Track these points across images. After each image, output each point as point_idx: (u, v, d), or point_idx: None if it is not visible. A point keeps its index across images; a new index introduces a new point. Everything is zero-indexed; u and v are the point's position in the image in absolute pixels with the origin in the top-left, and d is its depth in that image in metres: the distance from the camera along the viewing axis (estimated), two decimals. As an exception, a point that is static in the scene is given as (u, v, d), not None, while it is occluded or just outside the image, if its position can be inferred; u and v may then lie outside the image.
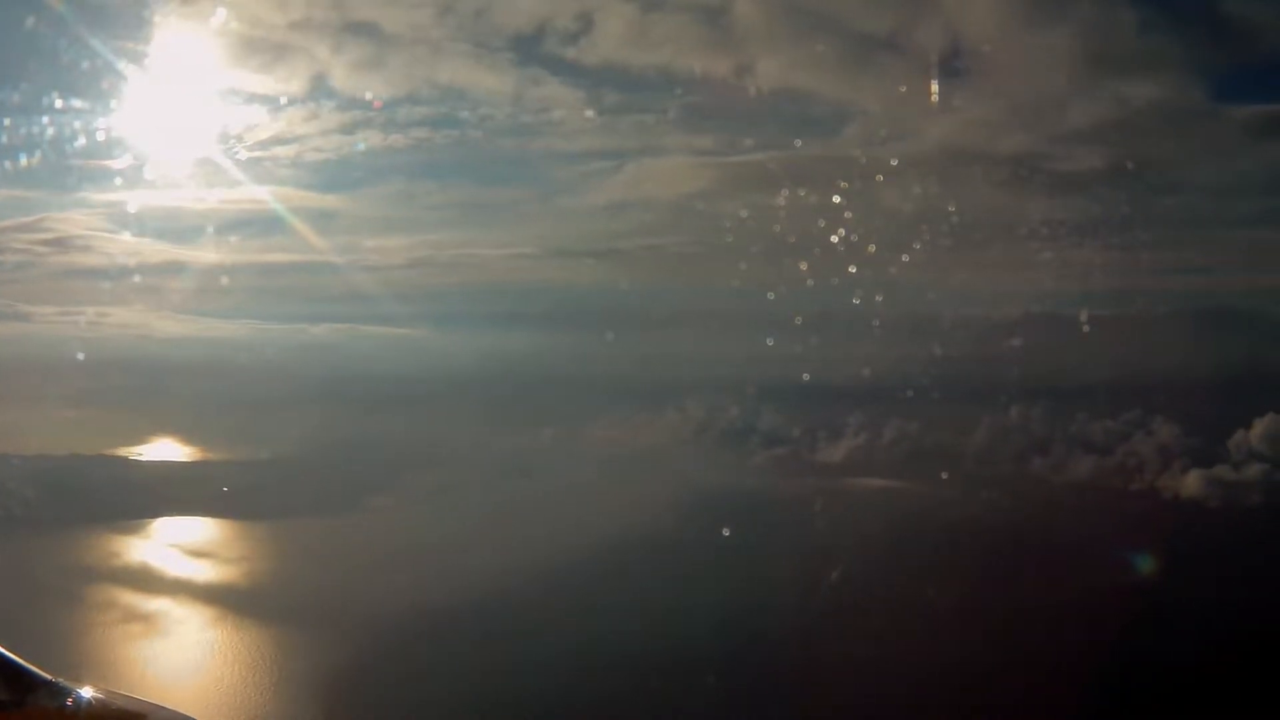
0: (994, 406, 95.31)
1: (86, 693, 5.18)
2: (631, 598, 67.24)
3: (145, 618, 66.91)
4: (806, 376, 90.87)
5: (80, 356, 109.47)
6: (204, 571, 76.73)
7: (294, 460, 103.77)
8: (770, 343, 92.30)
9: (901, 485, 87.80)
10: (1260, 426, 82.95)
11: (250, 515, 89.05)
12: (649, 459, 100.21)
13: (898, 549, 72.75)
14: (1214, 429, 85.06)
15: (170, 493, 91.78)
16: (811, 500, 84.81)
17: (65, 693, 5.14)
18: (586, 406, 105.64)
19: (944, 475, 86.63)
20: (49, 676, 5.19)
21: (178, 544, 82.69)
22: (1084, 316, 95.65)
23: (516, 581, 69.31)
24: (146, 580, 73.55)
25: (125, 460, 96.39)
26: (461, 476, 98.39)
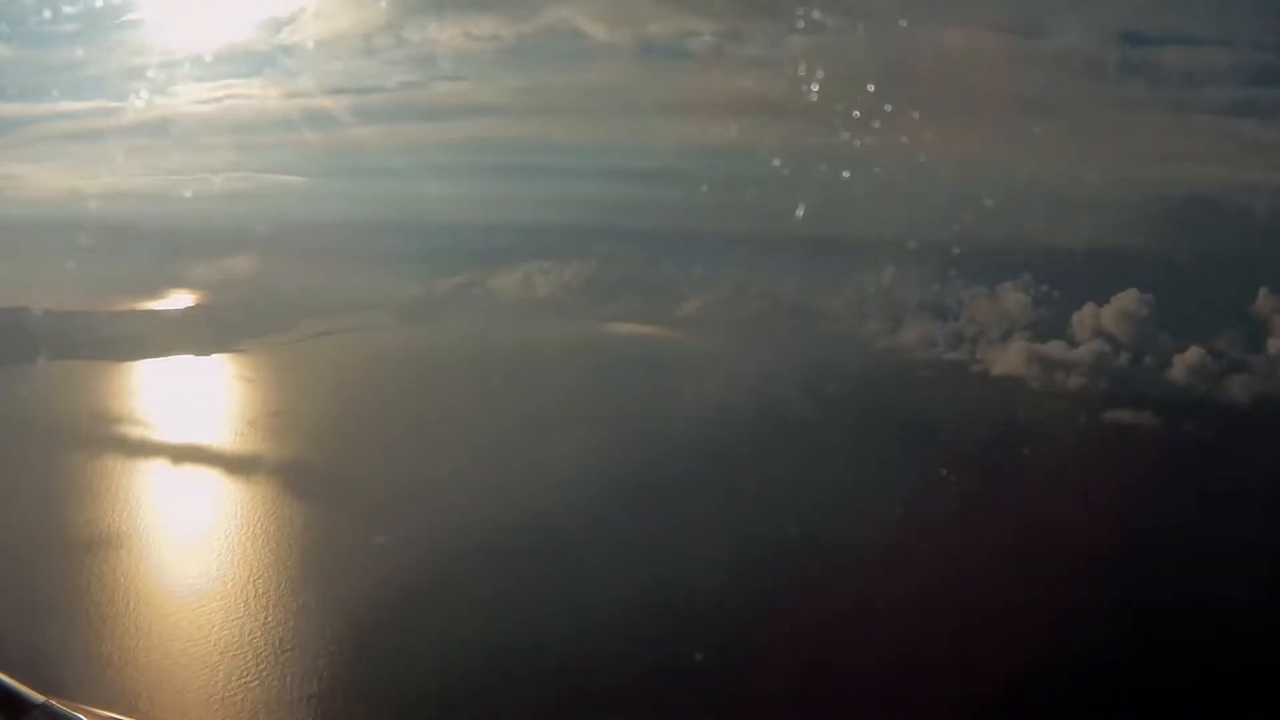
0: (867, 266, 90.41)
1: (81, 717, 5.00)
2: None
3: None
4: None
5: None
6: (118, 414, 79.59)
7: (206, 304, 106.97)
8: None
9: (732, 342, 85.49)
10: (1117, 303, 75.48)
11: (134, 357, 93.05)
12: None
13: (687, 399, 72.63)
14: (1072, 304, 78.28)
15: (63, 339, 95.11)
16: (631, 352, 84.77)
17: (59, 716, 4.95)
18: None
19: (775, 331, 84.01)
20: (42, 698, 4.96)
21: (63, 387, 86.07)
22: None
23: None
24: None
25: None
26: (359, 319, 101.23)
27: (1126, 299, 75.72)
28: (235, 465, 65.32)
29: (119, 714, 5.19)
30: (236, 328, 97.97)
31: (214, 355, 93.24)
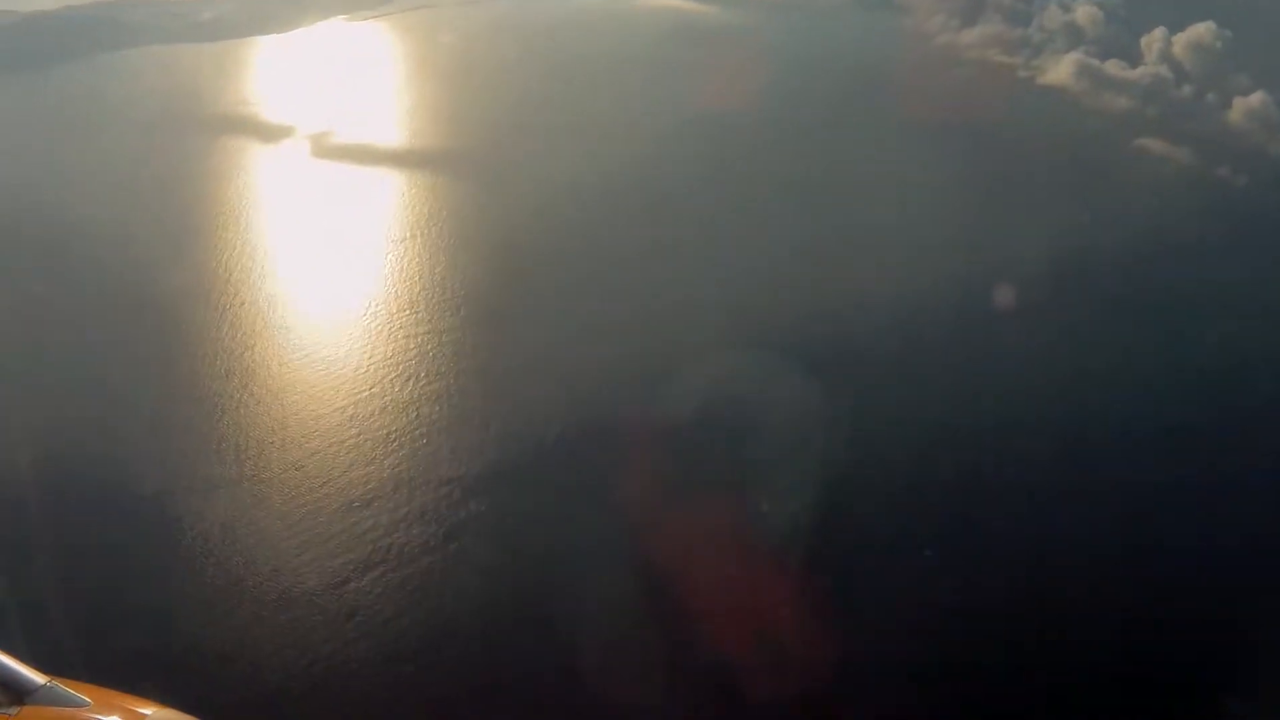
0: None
1: (84, 697, 5.01)
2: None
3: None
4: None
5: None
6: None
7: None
8: None
9: (784, 20, 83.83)
10: (1192, 32, 70.95)
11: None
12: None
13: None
14: (1145, 26, 73.91)
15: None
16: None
17: (63, 697, 4.99)
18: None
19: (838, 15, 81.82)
20: (44, 680, 5.01)
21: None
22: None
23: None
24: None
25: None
26: None
27: (1203, 30, 71.04)
28: (324, 140, 68.81)
29: (122, 690, 5.13)
30: (333, 4, 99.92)
31: (306, 30, 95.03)
